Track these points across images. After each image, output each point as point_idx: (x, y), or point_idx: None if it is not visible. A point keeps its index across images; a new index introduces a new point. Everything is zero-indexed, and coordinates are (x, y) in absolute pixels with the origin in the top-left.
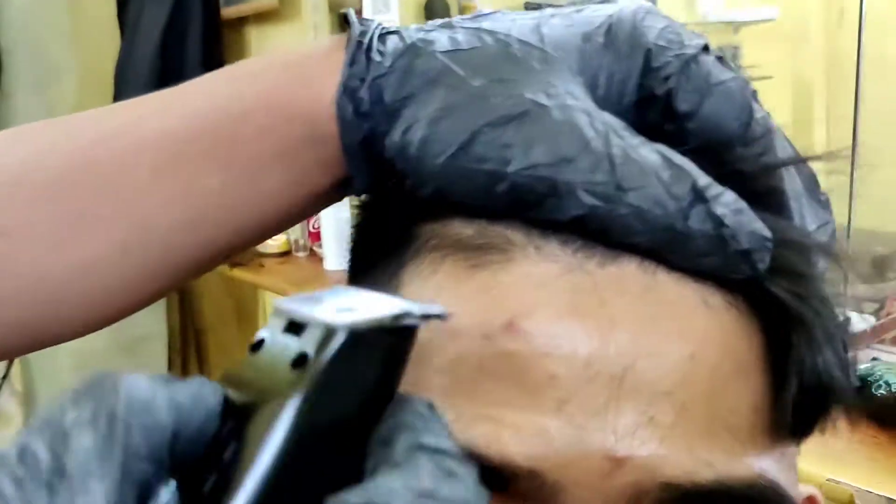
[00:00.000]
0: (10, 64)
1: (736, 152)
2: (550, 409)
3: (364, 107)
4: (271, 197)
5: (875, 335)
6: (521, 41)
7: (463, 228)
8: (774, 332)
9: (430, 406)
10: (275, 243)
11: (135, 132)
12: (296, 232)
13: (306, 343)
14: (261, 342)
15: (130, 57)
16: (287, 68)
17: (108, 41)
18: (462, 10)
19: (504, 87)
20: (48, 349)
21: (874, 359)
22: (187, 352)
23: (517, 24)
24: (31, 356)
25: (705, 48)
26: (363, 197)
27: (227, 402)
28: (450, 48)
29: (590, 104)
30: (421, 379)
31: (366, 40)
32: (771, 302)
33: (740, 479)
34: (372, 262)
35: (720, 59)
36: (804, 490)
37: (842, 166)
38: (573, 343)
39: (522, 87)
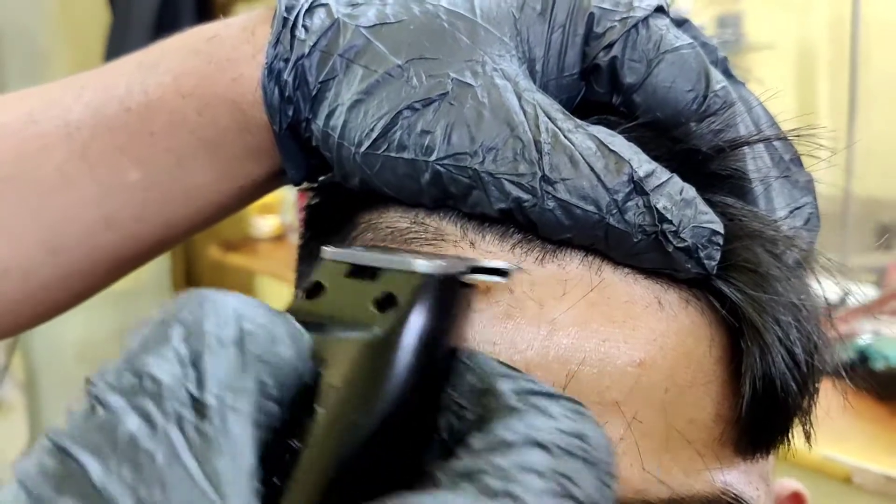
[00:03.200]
0: (0, 51)
1: (689, 128)
2: None
3: (288, 90)
4: (198, 189)
5: (875, 308)
6: (449, 11)
7: (397, 220)
8: (733, 334)
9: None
10: (268, 227)
11: (30, 128)
12: (289, 215)
13: (388, 286)
14: (318, 287)
15: (122, 41)
16: (197, 51)
17: (98, 25)
18: None
19: (427, 66)
20: (50, 338)
21: (874, 332)
22: None
23: None
24: (33, 345)
25: (659, 10)
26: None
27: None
28: (375, 22)
29: (522, 82)
30: None
31: (292, 16)
32: (723, 302)
33: (700, 496)
34: (314, 248)
35: (681, 22)
36: (787, 486)
37: (844, 134)
38: (510, 349)
39: (447, 66)
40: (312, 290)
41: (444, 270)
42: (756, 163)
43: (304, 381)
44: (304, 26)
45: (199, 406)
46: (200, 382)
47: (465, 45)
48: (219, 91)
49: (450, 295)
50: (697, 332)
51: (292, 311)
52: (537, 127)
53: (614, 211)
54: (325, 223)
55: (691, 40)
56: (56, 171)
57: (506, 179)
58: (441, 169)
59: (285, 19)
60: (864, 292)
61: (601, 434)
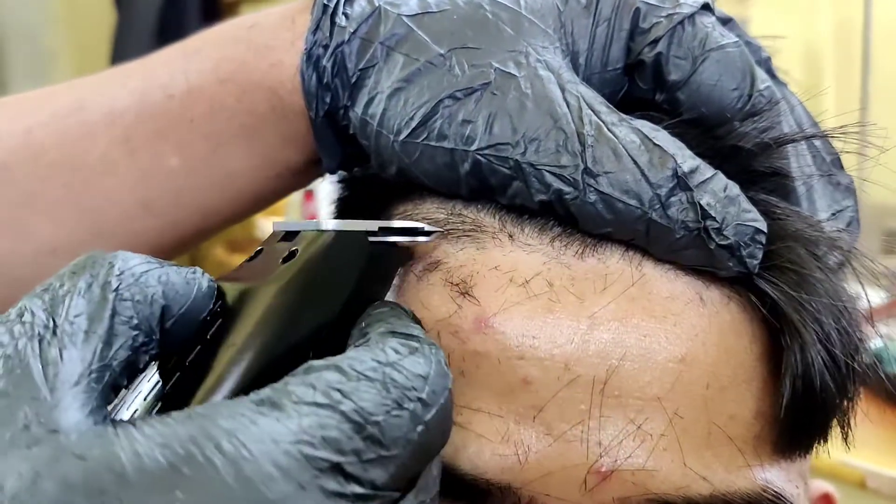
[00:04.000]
0: (5, 52)
1: (733, 127)
2: (526, 416)
3: (326, 77)
4: (235, 176)
5: (885, 312)
6: (494, 2)
7: (434, 212)
8: (774, 332)
9: (407, 309)
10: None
11: (77, 115)
12: (294, 214)
13: (297, 244)
14: (259, 252)
15: (127, 40)
16: (237, 39)
17: (103, 25)
18: None
19: (470, 56)
20: None
21: (886, 335)
22: None
23: None
24: None
25: (705, 7)
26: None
27: (219, 290)
28: (418, 11)
29: (566, 74)
30: None
31: (332, 3)
32: (766, 300)
33: (741, 493)
34: None
35: (726, 21)
36: (817, 487)
37: (847, 145)
38: (549, 344)
39: (490, 55)
40: (254, 254)
41: (343, 227)
42: (799, 163)
43: (204, 315)
44: (344, 13)
45: (55, 329)
46: (60, 313)
47: (508, 36)
48: (257, 77)
49: (353, 251)
50: (739, 329)
51: (225, 273)
52: (581, 119)
53: (657, 206)
54: (357, 216)
55: (737, 39)
56: (100, 156)
57: (547, 171)
58: (482, 159)
59: (325, 6)
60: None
61: (422, 367)
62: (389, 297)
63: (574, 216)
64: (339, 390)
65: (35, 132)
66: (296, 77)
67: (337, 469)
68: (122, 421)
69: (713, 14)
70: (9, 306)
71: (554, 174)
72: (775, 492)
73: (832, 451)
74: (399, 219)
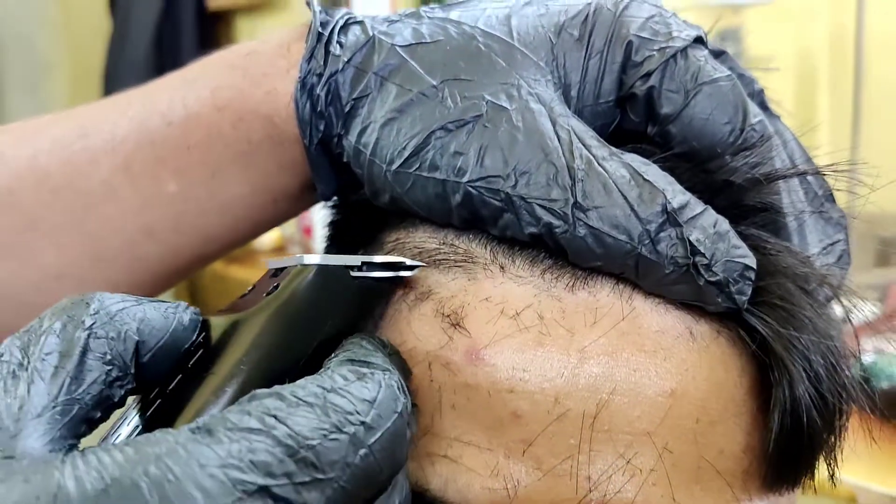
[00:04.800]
0: (1, 61)
1: (725, 161)
2: (515, 450)
3: (320, 105)
4: (233, 202)
5: (878, 325)
6: (486, 33)
7: (425, 241)
8: (762, 366)
9: (377, 339)
10: (269, 239)
11: (80, 142)
12: (290, 227)
13: (282, 280)
14: (252, 288)
15: (122, 51)
16: (234, 66)
17: (98, 36)
18: None
19: (462, 87)
20: None
21: (877, 350)
22: None
23: (486, 13)
24: None
25: (698, 40)
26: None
27: (204, 322)
28: (412, 41)
29: (558, 107)
30: None
31: (326, 32)
32: (755, 336)
33: None
34: None
35: (719, 53)
36: None
37: (844, 148)
38: (539, 377)
39: (482, 87)
40: (248, 291)
41: (325, 262)
42: (790, 197)
43: (188, 347)
44: (338, 42)
45: (27, 366)
46: (34, 352)
47: (500, 68)
48: (252, 105)
49: (334, 285)
50: (728, 363)
51: (218, 309)
52: (571, 153)
53: (646, 241)
54: (349, 242)
55: (729, 72)
56: (101, 183)
57: (537, 204)
58: (473, 191)
59: (320, 34)
60: (866, 310)
61: (369, 392)
62: (383, 326)
63: (564, 249)
64: (274, 416)
65: (40, 158)
66: (290, 105)
67: (264, 492)
68: (80, 450)
69: (706, 47)
70: (13, 332)
71: (544, 207)
72: None
73: (823, 467)
74: (391, 247)
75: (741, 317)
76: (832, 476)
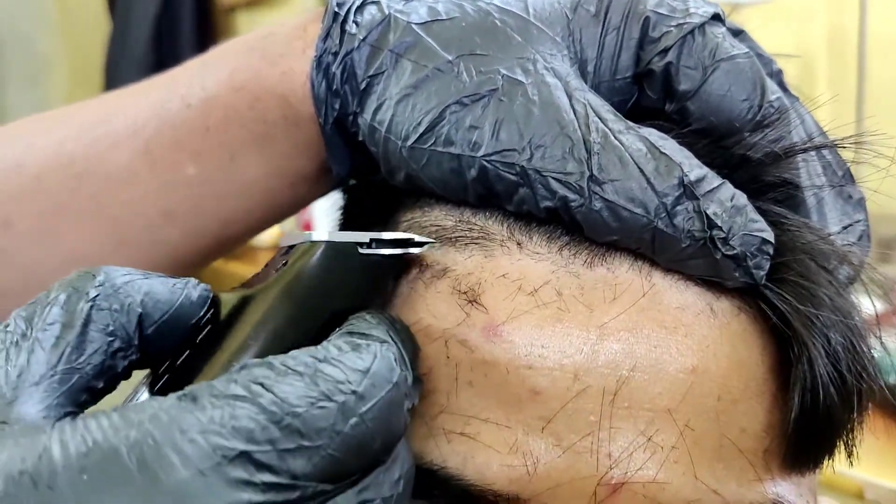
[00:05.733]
0: (1, 58)
1: (742, 137)
2: (535, 427)
3: (336, 83)
4: (250, 184)
5: (882, 321)
6: (502, 9)
7: (441, 219)
8: (783, 344)
9: (383, 314)
10: (268, 236)
11: (103, 127)
12: (290, 223)
13: (290, 257)
14: (264, 267)
15: (122, 47)
16: (253, 48)
17: (97, 32)
18: None
19: (477, 62)
20: None
21: (882, 345)
22: None
23: None
24: None
25: (716, 17)
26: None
27: (213, 301)
28: (427, 19)
29: (574, 82)
30: None
31: (342, 12)
32: (774, 312)
33: None
34: None
35: (737, 32)
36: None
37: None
38: (559, 354)
39: (498, 62)
40: (261, 270)
41: (333, 239)
42: (809, 174)
43: (195, 322)
44: (354, 21)
45: (29, 336)
46: (37, 323)
47: (516, 43)
48: (269, 85)
49: (343, 262)
50: (749, 340)
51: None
52: (587, 126)
53: (663, 215)
54: (362, 225)
55: (748, 50)
56: (123, 167)
57: (553, 178)
58: (488, 165)
59: (336, 14)
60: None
61: (362, 362)
62: (397, 304)
63: (579, 223)
64: (261, 384)
65: (66, 144)
66: (306, 84)
67: (245, 457)
68: (74, 417)
69: (724, 24)
70: None
71: (559, 181)
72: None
73: (830, 462)
74: (406, 226)
75: (761, 293)
76: (850, 455)
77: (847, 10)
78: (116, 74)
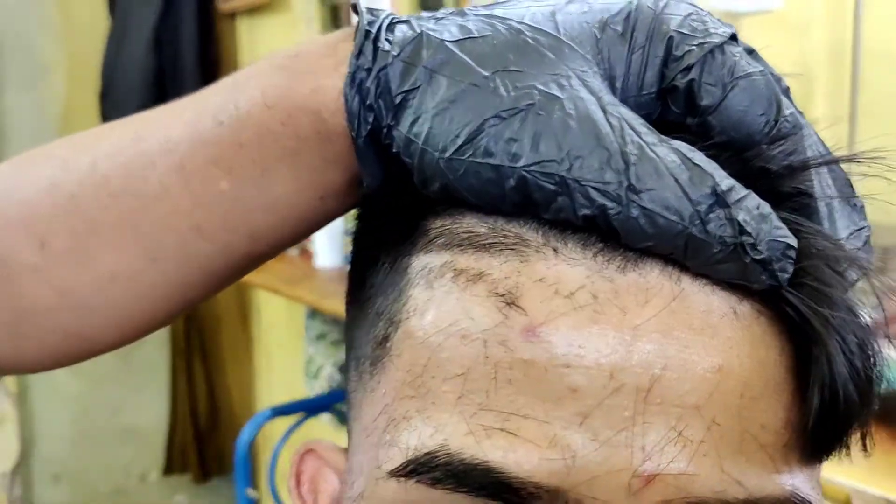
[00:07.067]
0: (0, 63)
1: (761, 150)
2: (572, 422)
3: (370, 98)
4: (282, 199)
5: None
6: (533, 28)
7: (475, 226)
8: (799, 346)
9: None
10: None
11: (137, 146)
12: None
13: None
14: None
15: (120, 53)
16: (283, 67)
17: (97, 36)
18: (458, 3)
19: (513, 78)
20: None
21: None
22: (191, 353)
23: (531, 11)
24: None
25: (733, 38)
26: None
27: None
28: (460, 37)
29: (606, 96)
30: (428, 387)
31: (374, 30)
32: (794, 314)
33: (773, 498)
34: (375, 256)
35: (750, 51)
36: None
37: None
38: (595, 353)
39: (533, 78)
40: None
41: None
42: (821, 185)
43: None
44: (387, 39)
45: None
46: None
47: (549, 60)
48: (301, 101)
49: None
50: (769, 341)
51: None
52: (623, 139)
53: (697, 222)
54: (383, 235)
55: (762, 68)
56: (157, 184)
57: (591, 187)
58: (527, 175)
59: (367, 32)
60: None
61: None
62: (430, 307)
63: (616, 230)
64: None
65: (99, 164)
66: (339, 99)
67: None
68: None
69: (739, 44)
70: (77, 335)
71: (598, 190)
72: (802, 497)
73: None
74: (436, 233)
75: (780, 297)
76: (865, 446)
77: (845, 21)
78: (113, 79)
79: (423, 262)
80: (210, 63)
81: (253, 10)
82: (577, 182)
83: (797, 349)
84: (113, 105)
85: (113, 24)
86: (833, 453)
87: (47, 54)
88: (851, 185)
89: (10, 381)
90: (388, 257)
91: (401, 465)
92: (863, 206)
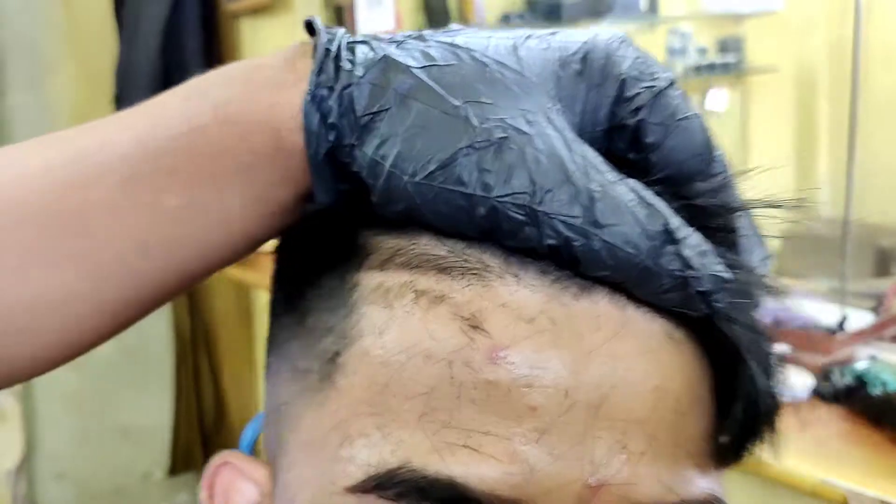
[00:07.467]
0: (5, 62)
1: (696, 188)
2: (531, 438)
3: (332, 117)
4: (235, 214)
5: (873, 333)
6: (498, 62)
7: (434, 248)
8: (722, 366)
9: None
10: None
11: (85, 160)
12: None
13: None
14: None
15: (130, 54)
16: (239, 81)
17: (103, 37)
18: (461, 5)
19: (484, 110)
20: None
21: (872, 357)
22: (196, 351)
23: (493, 43)
24: None
25: (672, 83)
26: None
27: None
28: (425, 63)
29: (569, 134)
30: (389, 405)
31: (333, 48)
32: (720, 339)
33: (697, 501)
34: (315, 270)
35: (684, 96)
36: None
37: (839, 165)
38: (553, 374)
39: (503, 111)
40: None
41: None
42: (742, 221)
43: None
44: (348, 60)
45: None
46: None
47: (515, 94)
48: (259, 117)
49: None
50: (697, 363)
51: None
52: (587, 176)
53: (651, 256)
54: (327, 251)
55: (697, 112)
56: (100, 201)
57: (559, 220)
58: (498, 205)
59: (327, 50)
60: (861, 317)
61: None
62: (391, 328)
63: (577, 260)
64: None
65: (45, 176)
66: (297, 116)
67: None
68: None
69: (678, 89)
70: (10, 359)
71: (566, 223)
72: (718, 497)
73: (815, 471)
74: (390, 252)
75: (711, 324)
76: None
77: (847, 21)
78: (126, 81)
79: (377, 281)
80: (215, 64)
81: (256, 11)
82: (547, 215)
83: (717, 369)
84: (129, 107)
85: (123, 26)
86: (742, 458)
87: (53, 54)
88: (753, 220)
89: None
90: (330, 272)
91: (361, 482)
92: (762, 238)
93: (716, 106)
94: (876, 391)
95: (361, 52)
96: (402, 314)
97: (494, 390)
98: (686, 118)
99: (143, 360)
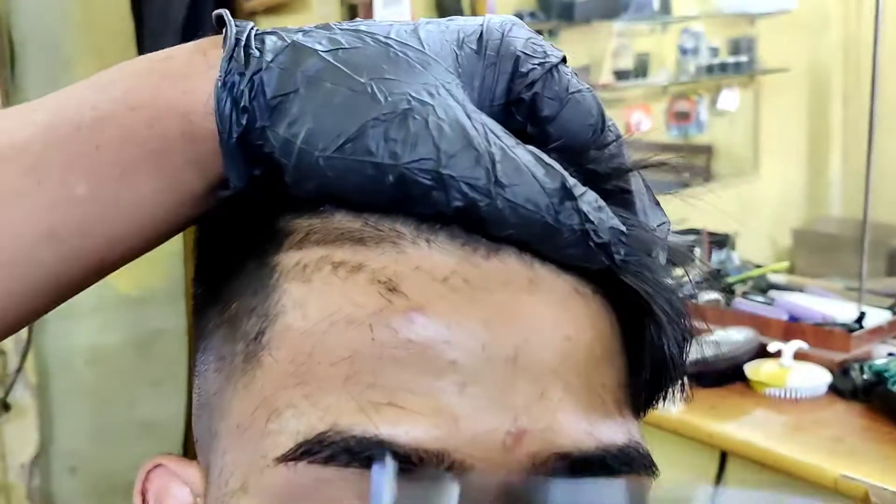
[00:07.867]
0: (22, 57)
1: (590, 155)
2: (453, 392)
3: (243, 101)
4: (143, 202)
5: (890, 330)
6: (401, 43)
7: (348, 223)
8: (629, 319)
9: None
10: None
11: None
12: None
13: None
14: None
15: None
16: (151, 70)
17: (120, 35)
18: (473, 3)
19: (389, 85)
20: (62, 342)
21: (890, 354)
22: None
23: (395, 28)
24: (46, 349)
25: (563, 60)
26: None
27: None
28: (331, 48)
29: (469, 105)
30: (314, 373)
31: (243, 38)
32: (625, 291)
33: (617, 445)
34: (234, 258)
35: (575, 73)
36: None
37: (857, 159)
38: (470, 330)
39: (406, 86)
40: None
41: None
42: (637, 185)
43: None
44: (257, 47)
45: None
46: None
47: (418, 71)
48: (170, 103)
49: None
50: (605, 315)
51: None
52: (488, 141)
53: (551, 212)
54: (243, 237)
55: (588, 86)
56: (3, 189)
57: (464, 182)
58: (406, 172)
59: (238, 40)
60: (879, 315)
61: None
62: (312, 299)
63: (484, 220)
64: None
65: None
66: (209, 101)
67: None
68: None
69: (568, 67)
70: None
71: (470, 185)
72: (637, 441)
73: (836, 467)
74: (305, 232)
75: (614, 278)
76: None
77: (860, 20)
78: None
79: (295, 259)
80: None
81: (272, 10)
82: (452, 178)
83: (626, 321)
84: None
85: (144, 22)
86: (656, 404)
87: (70, 51)
88: (651, 189)
89: (30, 372)
90: (250, 258)
91: (291, 449)
92: (659, 204)
93: (727, 106)
94: (895, 388)
95: (270, 40)
96: (321, 286)
97: (414, 348)
98: (579, 91)
99: (158, 354)
